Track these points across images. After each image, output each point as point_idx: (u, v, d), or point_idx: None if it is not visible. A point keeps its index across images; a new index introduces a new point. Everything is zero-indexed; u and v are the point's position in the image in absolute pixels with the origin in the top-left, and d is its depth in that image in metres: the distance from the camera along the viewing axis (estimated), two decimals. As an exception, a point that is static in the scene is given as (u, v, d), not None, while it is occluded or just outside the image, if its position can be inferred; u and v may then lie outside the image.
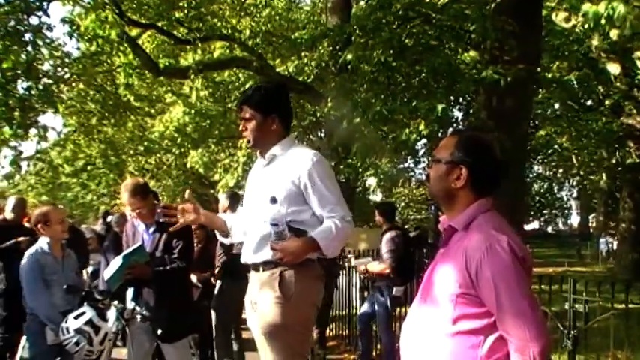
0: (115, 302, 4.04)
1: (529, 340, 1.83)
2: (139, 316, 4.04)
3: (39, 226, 4.63)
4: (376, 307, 6.63)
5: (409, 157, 19.93)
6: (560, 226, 54.61)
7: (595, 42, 15.25)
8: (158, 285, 4.30)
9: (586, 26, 13.81)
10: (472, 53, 11.90)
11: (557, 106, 16.67)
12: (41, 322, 4.46)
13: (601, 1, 4.32)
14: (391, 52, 7.43)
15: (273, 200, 2.94)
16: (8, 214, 6.18)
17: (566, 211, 50.31)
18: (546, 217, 51.13)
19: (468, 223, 2.01)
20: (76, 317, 3.91)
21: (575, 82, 16.05)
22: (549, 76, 14.73)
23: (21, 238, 5.63)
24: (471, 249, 1.92)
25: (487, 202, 2.06)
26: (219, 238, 3.49)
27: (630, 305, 4.42)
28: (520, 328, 1.85)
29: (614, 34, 14.64)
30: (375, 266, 6.61)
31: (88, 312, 3.92)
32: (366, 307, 6.92)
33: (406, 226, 23.87)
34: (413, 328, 2.11)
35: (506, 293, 1.86)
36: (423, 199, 34.69)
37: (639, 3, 5.02)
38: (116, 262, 4.09)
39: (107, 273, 4.12)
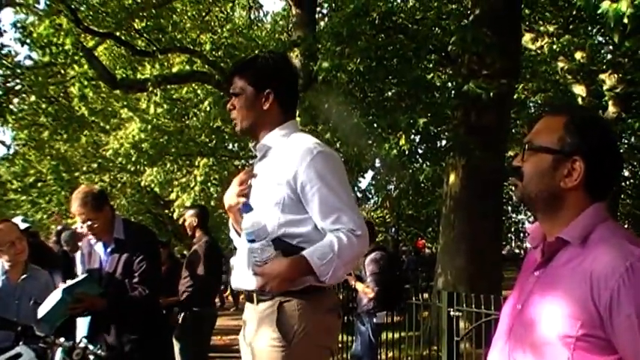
0: (62, 340, 3.07)
1: None
2: (91, 357, 3.06)
3: None
4: (358, 336, 6.05)
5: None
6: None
7: (561, 64, 15.20)
8: (116, 318, 3.54)
9: (555, 47, 13.86)
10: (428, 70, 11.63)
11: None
12: None
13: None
14: (368, 62, 6.94)
15: (247, 207, 2.18)
16: None
17: (521, 235, 50.62)
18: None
19: (586, 235, 1.43)
20: (6, 361, 2.93)
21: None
22: (514, 97, 14.58)
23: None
24: (600, 272, 1.34)
25: (604, 208, 1.49)
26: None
27: None
28: None
29: (579, 55, 14.73)
30: (361, 286, 5.99)
31: (25, 354, 2.94)
32: (355, 346, 6.24)
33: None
34: None
35: None
36: (381, 221, 34.36)
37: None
38: (54, 296, 3.27)
39: (42, 309, 3.27)
